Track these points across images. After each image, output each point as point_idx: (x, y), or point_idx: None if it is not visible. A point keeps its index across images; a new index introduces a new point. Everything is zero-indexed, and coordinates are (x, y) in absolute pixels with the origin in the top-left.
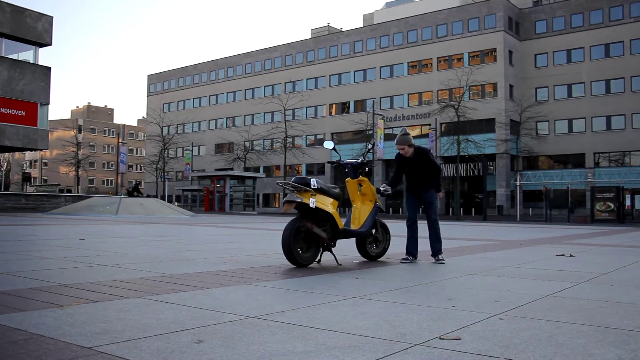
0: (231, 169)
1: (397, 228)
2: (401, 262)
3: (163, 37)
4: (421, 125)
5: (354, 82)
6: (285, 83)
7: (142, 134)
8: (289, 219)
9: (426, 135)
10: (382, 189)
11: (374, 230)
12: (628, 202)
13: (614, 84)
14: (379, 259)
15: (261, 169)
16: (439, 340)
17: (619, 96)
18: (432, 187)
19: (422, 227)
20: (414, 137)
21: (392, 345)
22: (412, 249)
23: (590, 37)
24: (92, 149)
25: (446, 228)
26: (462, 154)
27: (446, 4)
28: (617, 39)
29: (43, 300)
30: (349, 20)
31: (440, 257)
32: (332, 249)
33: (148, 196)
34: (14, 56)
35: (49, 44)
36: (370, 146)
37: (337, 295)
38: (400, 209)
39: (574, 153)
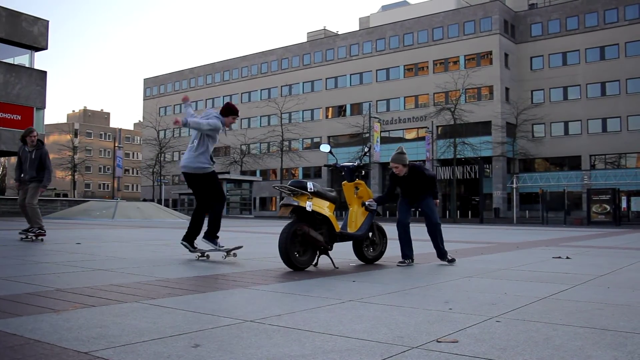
0: (228, 172)
1: (394, 231)
2: (398, 265)
3: (159, 40)
4: (417, 128)
5: (351, 85)
6: (281, 86)
7: (139, 137)
8: (285, 223)
9: (422, 138)
10: (366, 203)
11: (370, 234)
12: (624, 204)
13: (610, 86)
14: (376, 262)
15: (257, 173)
16: (436, 343)
17: (615, 98)
18: (429, 195)
19: (417, 229)
20: (411, 140)
21: (389, 348)
22: (407, 251)
23: (586, 40)
24: (89, 153)
25: (443, 231)
26: (458, 156)
27: (442, 7)
28: (613, 41)
29: (39, 305)
30: (345, 23)
31: (449, 257)
32: (329, 252)
33: (144, 200)
34: (9, 60)
35: (44, 48)
36: (366, 149)
37: (334, 299)
38: (397, 212)
39: (570, 155)
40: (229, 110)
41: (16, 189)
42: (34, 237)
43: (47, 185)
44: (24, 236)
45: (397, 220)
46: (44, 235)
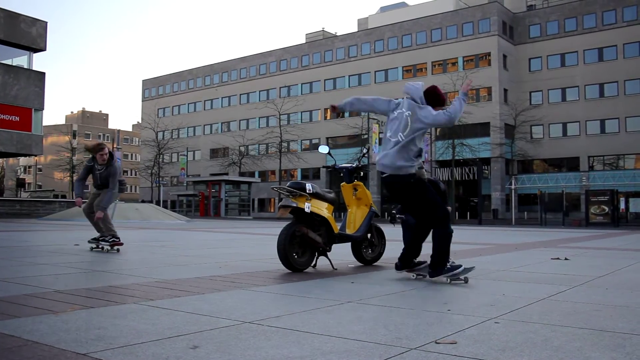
0: (226, 173)
1: (393, 232)
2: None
3: (158, 42)
4: None
5: (349, 86)
6: (280, 88)
7: (137, 139)
8: (284, 224)
9: None
10: (397, 216)
11: (369, 235)
12: (622, 206)
13: (608, 87)
14: (375, 263)
15: (256, 174)
16: (435, 345)
17: (613, 100)
18: None
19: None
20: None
21: (388, 349)
22: None
23: (584, 41)
24: (87, 155)
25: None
26: (457, 158)
27: (440, 8)
28: (611, 43)
29: (37, 307)
30: (344, 25)
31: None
32: (328, 253)
33: (143, 201)
34: (8, 61)
35: (43, 49)
36: (365, 150)
37: (333, 300)
38: (405, 214)
39: (568, 157)
40: (436, 99)
41: (78, 205)
42: (108, 248)
43: (116, 190)
44: (94, 245)
45: (404, 220)
46: (121, 244)
